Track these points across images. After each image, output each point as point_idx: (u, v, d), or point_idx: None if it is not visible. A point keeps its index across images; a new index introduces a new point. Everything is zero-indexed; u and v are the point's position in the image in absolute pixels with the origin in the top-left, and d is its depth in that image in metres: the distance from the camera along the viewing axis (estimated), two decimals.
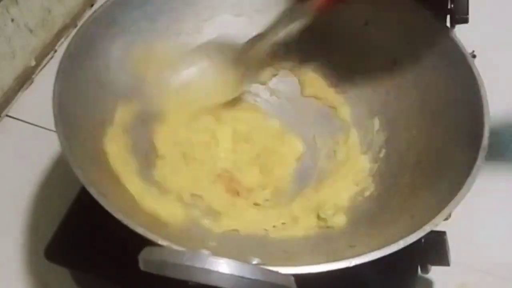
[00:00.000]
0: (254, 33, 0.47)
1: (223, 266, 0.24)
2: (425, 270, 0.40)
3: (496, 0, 0.68)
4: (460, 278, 0.45)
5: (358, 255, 0.30)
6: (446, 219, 0.33)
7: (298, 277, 0.29)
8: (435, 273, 0.41)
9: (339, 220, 0.40)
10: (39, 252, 0.41)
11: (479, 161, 0.35)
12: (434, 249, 0.39)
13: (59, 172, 0.51)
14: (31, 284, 0.45)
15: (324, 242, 0.39)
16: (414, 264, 0.40)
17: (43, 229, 0.46)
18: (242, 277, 0.24)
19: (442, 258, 0.39)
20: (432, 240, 0.39)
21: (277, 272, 0.25)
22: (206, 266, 0.24)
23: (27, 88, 0.58)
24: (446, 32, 0.43)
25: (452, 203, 0.33)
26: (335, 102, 0.48)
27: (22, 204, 0.49)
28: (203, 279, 0.24)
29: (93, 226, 0.39)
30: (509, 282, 0.46)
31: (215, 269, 0.24)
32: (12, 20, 0.54)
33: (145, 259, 0.24)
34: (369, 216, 0.40)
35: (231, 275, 0.24)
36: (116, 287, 0.39)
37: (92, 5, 0.67)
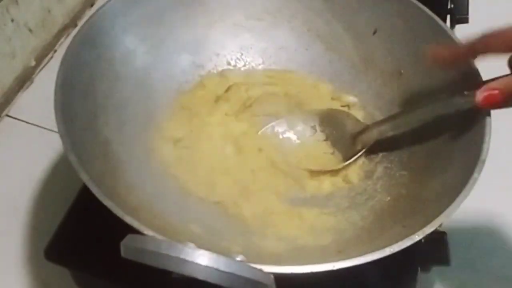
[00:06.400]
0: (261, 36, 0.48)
1: (200, 257, 0.24)
2: (425, 270, 0.40)
3: (496, 0, 0.68)
4: (460, 278, 0.45)
5: (343, 259, 0.30)
6: (438, 228, 0.32)
7: (299, 277, 0.29)
8: (435, 273, 0.41)
9: (324, 239, 0.40)
10: (39, 252, 0.41)
11: (476, 173, 0.34)
12: (434, 249, 0.39)
13: (59, 172, 0.51)
14: (31, 284, 0.45)
15: (314, 245, 0.39)
16: (414, 264, 0.40)
17: (43, 229, 0.46)
18: (217, 270, 0.24)
19: (442, 258, 0.39)
20: (432, 240, 0.39)
21: (255, 268, 0.25)
22: (182, 256, 0.24)
23: (27, 88, 0.58)
24: (446, 32, 0.43)
25: (445, 213, 0.32)
26: None
27: (22, 204, 0.49)
28: (179, 269, 0.24)
29: (93, 226, 0.39)
30: (509, 282, 0.46)
31: (191, 259, 0.24)
32: (12, 20, 0.54)
33: (126, 246, 0.25)
34: (359, 227, 0.40)
35: (206, 266, 0.24)
36: (116, 287, 0.39)
37: (92, 5, 0.67)
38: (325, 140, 0.47)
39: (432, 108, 0.40)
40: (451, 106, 0.39)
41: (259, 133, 0.47)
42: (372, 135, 0.44)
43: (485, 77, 0.39)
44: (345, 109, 0.48)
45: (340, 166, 0.44)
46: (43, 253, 0.40)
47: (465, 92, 0.38)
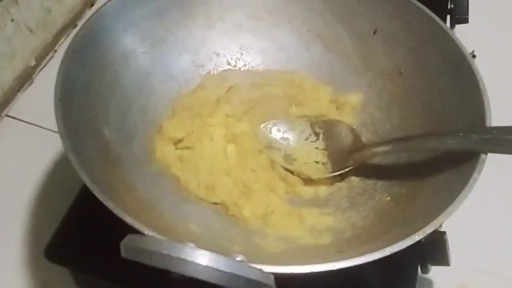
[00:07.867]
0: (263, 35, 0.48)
1: (200, 257, 0.24)
2: (425, 270, 0.40)
3: (496, 0, 0.68)
4: (460, 278, 0.45)
5: (343, 259, 0.30)
6: (437, 228, 0.32)
7: (299, 277, 0.29)
8: (435, 273, 0.41)
9: (324, 239, 0.40)
10: (39, 252, 0.41)
11: (476, 173, 0.34)
12: (434, 249, 0.39)
13: (59, 172, 0.51)
14: (31, 284, 0.45)
15: (314, 245, 0.39)
16: (414, 264, 0.40)
17: (43, 229, 0.46)
18: (217, 270, 0.24)
19: (442, 258, 0.39)
20: (432, 240, 0.39)
21: (255, 268, 0.25)
22: (182, 256, 0.24)
23: (27, 88, 0.58)
24: (446, 32, 0.43)
25: (446, 213, 0.32)
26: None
27: (22, 204, 0.49)
28: (179, 269, 0.24)
29: (93, 226, 0.39)
30: (509, 282, 0.46)
31: (191, 259, 0.24)
32: (12, 20, 0.54)
33: (126, 246, 0.25)
34: (359, 227, 0.40)
35: (206, 266, 0.24)
36: (116, 287, 0.39)
37: (92, 5, 0.67)
38: (323, 149, 0.46)
39: (426, 142, 0.40)
40: (446, 145, 0.38)
41: (261, 126, 0.46)
42: (365, 155, 0.43)
43: (485, 77, 0.39)
44: (344, 108, 0.48)
45: (317, 177, 0.44)
46: (43, 253, 0.40)
47: (461, 134, 0.37)
